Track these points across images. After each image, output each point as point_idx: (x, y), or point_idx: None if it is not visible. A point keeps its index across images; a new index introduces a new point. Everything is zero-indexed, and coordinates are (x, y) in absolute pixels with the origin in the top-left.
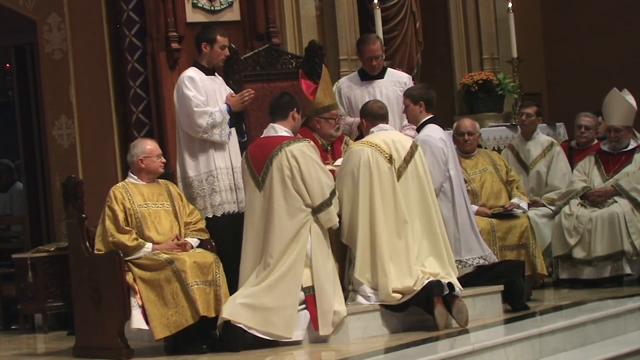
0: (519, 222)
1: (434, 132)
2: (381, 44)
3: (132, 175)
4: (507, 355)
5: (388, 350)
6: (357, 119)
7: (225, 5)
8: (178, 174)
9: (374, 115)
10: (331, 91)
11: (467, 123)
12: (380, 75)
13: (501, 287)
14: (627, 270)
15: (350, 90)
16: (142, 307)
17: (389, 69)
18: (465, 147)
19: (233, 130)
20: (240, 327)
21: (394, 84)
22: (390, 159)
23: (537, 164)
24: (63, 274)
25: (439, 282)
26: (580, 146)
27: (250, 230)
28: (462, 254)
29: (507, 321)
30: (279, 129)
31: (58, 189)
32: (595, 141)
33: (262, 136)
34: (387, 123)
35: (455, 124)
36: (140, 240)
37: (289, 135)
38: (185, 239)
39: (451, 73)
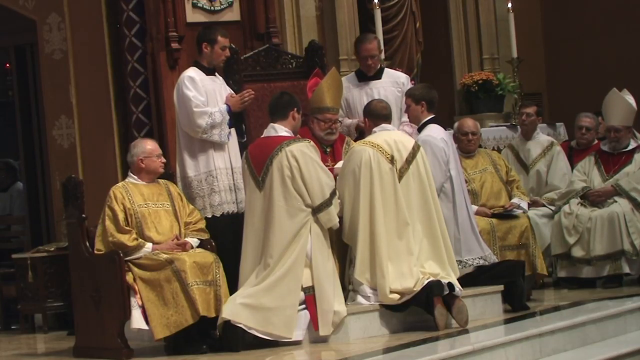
0: (519, 222)
1: (435, 132)
2: (379, 44)
3: (132, 175)
4: (507, 355)
5: (388, 350)
6: (355, 121)
7: (225, 5)
8: (178, 174)
9: (377, 115)
10: (334, 95)
11: (470, 123)
12: (378, 75)
13: (501, 287)
14: (626, 269)
15: (348, 91)
16: (142, 307)
17: (386, 69)
18: (468, 146)
19: (233, 130)
20: (240, 327)
21: (392, 84)
22: (391, 160)
23: (537, 163)
24: (63, 274)
25: (439, 282)
26: (580, 147)
27: (250, 230)
28: (462, 255)
29: (507, 321)
30: (279, 129)
31: (58, 189)
32: (596, 141)
33: (262, 136)
34: (389, 123)
35: (457, 124)
36: (140, 240)
37: (289, 135)
38: (185, 239)
39: (451, 73)
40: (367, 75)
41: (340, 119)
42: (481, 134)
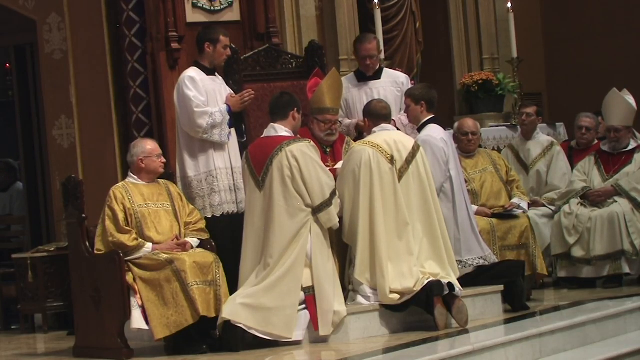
0: (519, 222)
1: (435, 132)
2: (378, 45)
3: (132, 175)
4: (507, 355)
5: (388, 350)
6: (355, 121)
7: (225, 5)
8: (178, 174)
9: (377, 115)
10: (334, 96)
11: (470, 123)
12: (377, 75)
13: (501, 287)
14: (626, 269)
15: (347, 91)
16: (142, 307)
17: (385, 69)
18: (468, 147)
19: (233, 130)
20: (240, 327)
21: (391, 84)
22: (391, 160)
23: (537, 163)
24: (63, 274)
25: (439, 282)
26: (580, 147)
27: (251, 230)
28: (462, 255)
29: (507, 321)
30: (279, 129)
31: (58, 189)
32: (596, 141)
33: (262, 136)
34: (389, 123)
35: (457, 124)
36: (140, 240)
37: (289, 135)
38: (185, 239)
39: (451, 73)
40: (366, 75)
41: (340, 119)
42: (481, 134)
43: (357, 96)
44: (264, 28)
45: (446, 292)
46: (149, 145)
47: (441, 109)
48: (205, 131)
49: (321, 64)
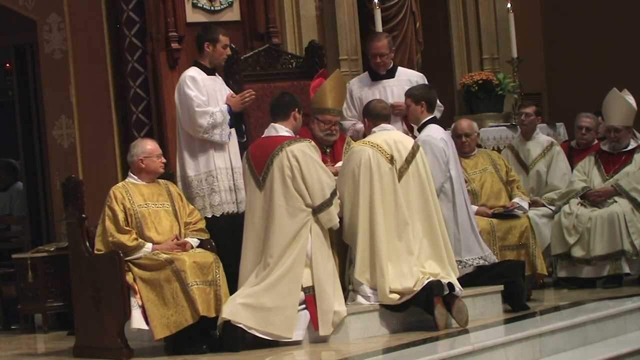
0: (519, 222)
1: (435, 132)
2: (389, 44)
3: (132, 175)
4: (507, 355)
5: (388, 350)
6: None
7: (225, 5)
8: (178, 174)
9: (376, 115)
10: (336, 97)
11: (463, 125)
12: (391, 74)
13: (501, 287)
14: (626, 269)
15: (361, 90)
16: (142, 307)
17: (399, 68)
18: (463, 148)
19: (233, 130)
20: (240, 327)
21: (405, 83)
22: (391, 160)
23: (537, 163)
24: (63, 274)
25: (439, 282)
26: (580, 147)
27: (251, 230)
28: (462, 255)
29: (507, 321)
30: (280, 129)
31: (58, 189)
32: (595, 141)
33: (263, 136)
34: (389, 123)
35: (452, 126)
36: (140, 240)
37: (289, 135)
38: (185, 239)
39: (451, 73)
40: (379, 74)
41: (354, 121)
42: (479, 134)
43: (370, 95)
44: (264, 28)
45: (446, 292)
46: (149, 145)
47: None
48: (205, 131)
49: (321, 63)
